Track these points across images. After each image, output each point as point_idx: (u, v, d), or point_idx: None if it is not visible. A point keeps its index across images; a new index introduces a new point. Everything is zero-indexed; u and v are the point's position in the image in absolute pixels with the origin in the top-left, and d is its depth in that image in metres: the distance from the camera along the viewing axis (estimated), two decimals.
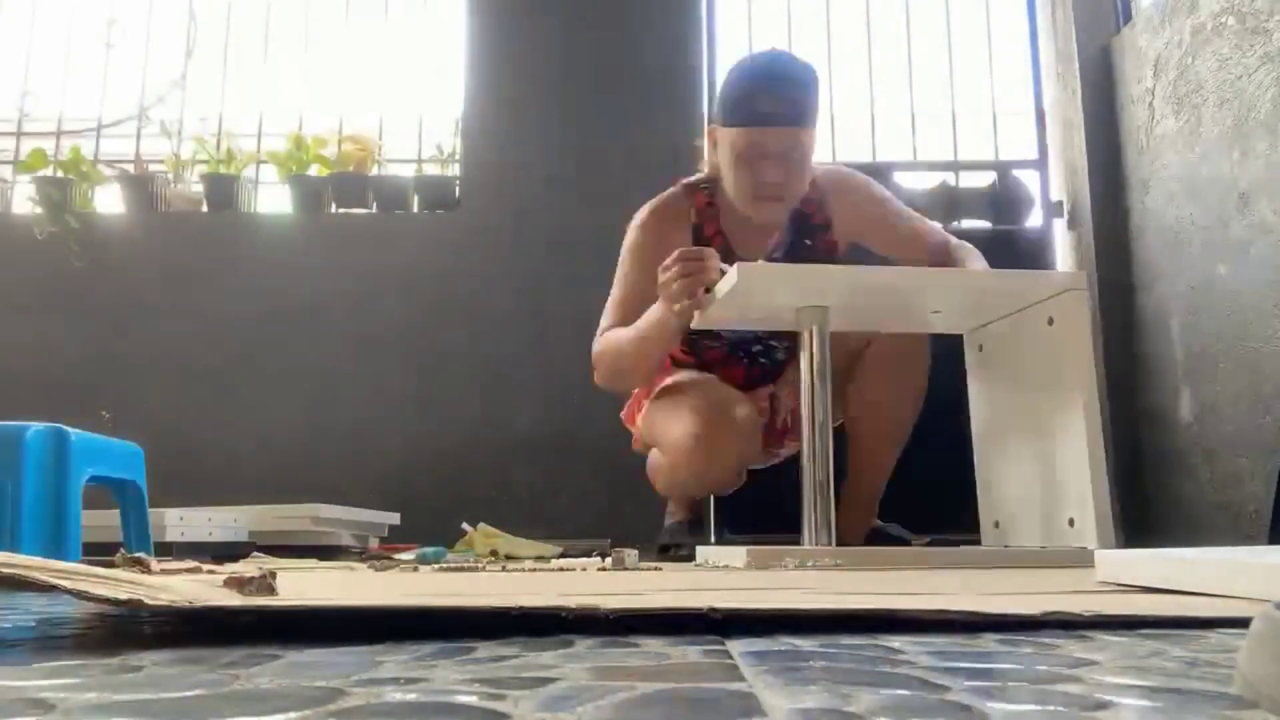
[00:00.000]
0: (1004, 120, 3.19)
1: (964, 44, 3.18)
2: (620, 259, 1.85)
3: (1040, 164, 3.14)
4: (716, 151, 1.75)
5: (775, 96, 1.65)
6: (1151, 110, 2.70)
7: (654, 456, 1.90)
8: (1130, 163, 2.81)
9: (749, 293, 1.51)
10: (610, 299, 1.84)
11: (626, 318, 1.74)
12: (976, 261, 1.81)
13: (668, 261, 1.53)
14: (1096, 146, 2.89)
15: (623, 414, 2.05)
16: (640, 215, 1.85)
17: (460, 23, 3.10)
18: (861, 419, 1.84)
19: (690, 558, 1.73)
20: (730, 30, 3.21)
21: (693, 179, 1.89)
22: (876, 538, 1.93)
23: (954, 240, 1.89)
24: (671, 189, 1.87)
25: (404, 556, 1.88)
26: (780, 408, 1.97)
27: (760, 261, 1.71)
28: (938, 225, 2.00)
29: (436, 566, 1.53)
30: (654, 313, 1.62)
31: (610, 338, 1.76)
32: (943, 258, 1.85)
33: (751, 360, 1.95)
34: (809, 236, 1.85)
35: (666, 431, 1.77)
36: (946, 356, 1.96)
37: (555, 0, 3.05)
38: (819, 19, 3.22)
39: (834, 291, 1.56)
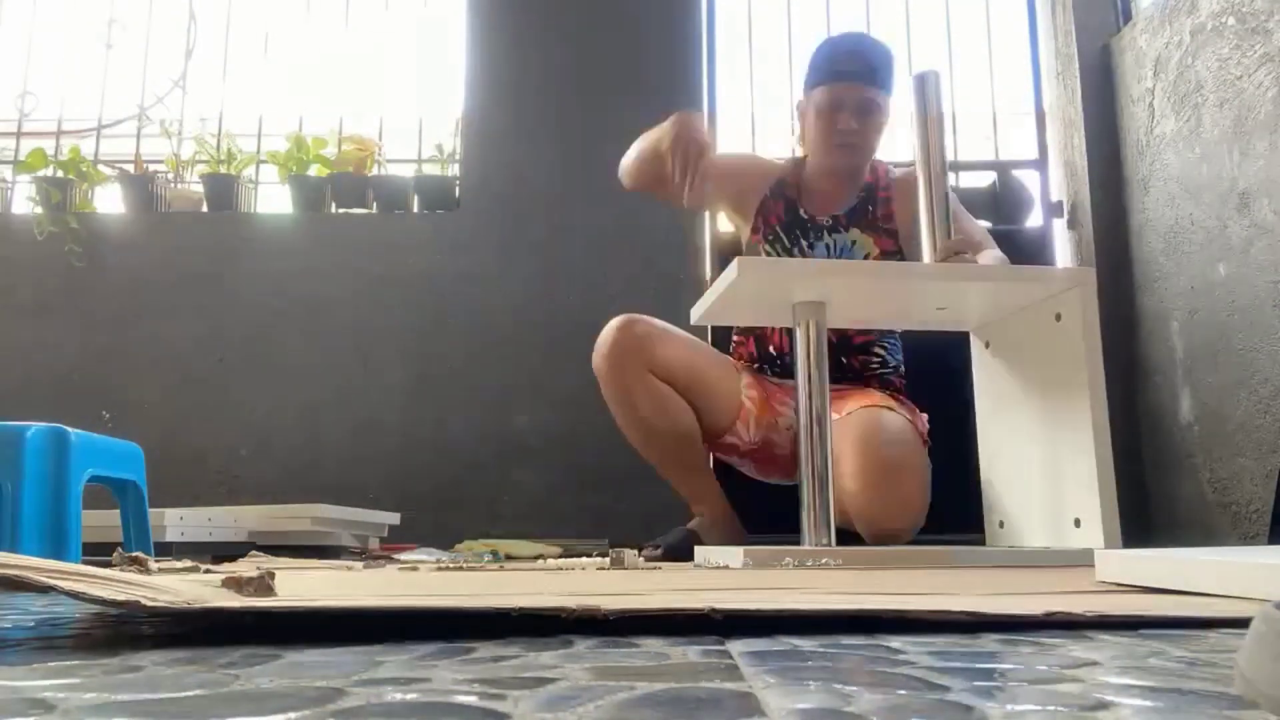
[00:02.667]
0: (1004, 120, 3.19)
1: (964, 44, 3.19)
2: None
3: (1040, 164, 3.14)
4: (803, 122, 2.00)
5: (853, 58, 1.89)
6: (1151, 110, 2.70)
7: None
8: (1130, 163, 2.81)
9: (747, 287, 1.51)
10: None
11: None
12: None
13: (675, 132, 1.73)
14: (1096, 146, 2.89)
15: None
16: (752, 154, 2.17)
17: (460, 23, 3.10)
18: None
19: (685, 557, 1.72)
20: (730, 31, 3.21)
21: (796, 156, 2.14)
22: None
23: (990, 246, 1.97)
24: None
25: (404, 556, 1.88)
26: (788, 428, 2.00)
27: (759, 256, 1.74)
28: (984, 226, 2.16)
29: (436, 566, 1.53)
30: (654, 143, 1.86)
31: (626, 157, 2.06)
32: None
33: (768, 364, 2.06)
34: (872, 204, 2.04)
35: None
36: (951, 353, 1.96)
37: (555, 0, 3.05)
38: (819, 20, 3.22)
39: (832, 287, 1.55)
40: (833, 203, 2.05)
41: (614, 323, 1.91)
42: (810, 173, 2.06)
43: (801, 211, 2.06)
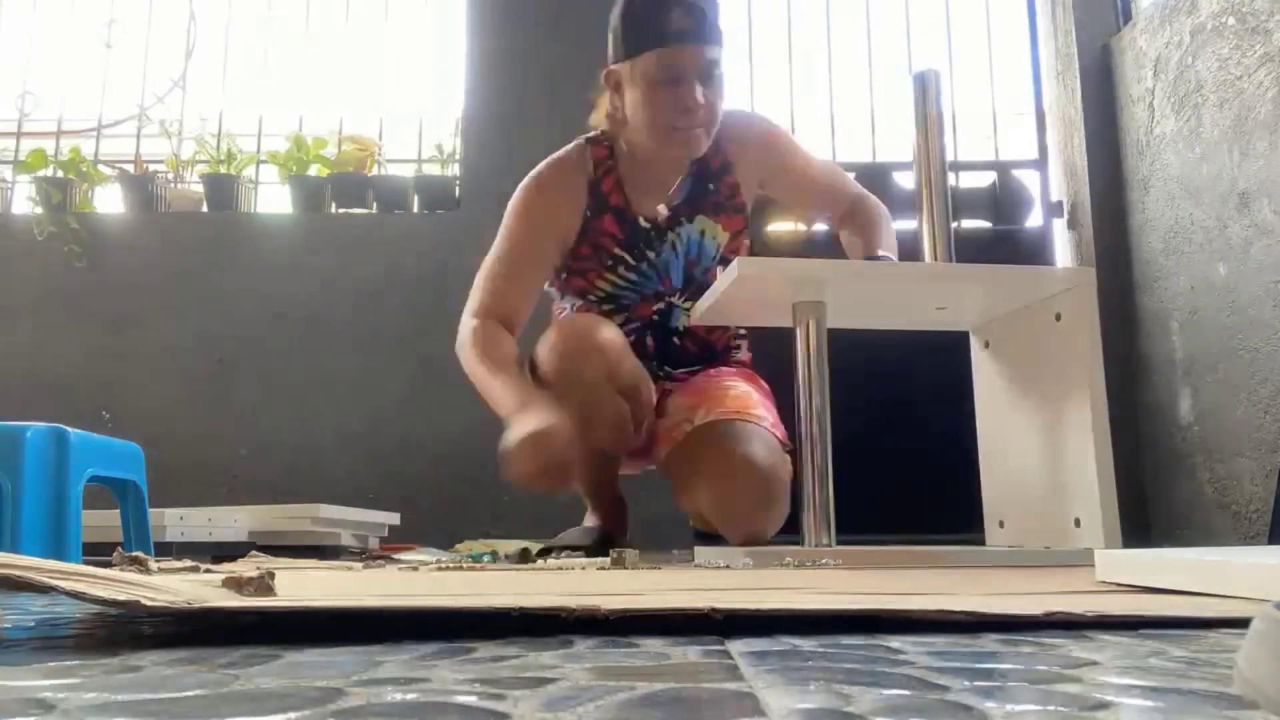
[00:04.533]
0: (1004, 120, 3.19)
1: (964, 44, 3.19)
2: (505, 216, 1.69)
3: (1040, 164, 3.14)
4: (619, 95, 1.62)
5: (684, 11, 1.50)
6: (1151, 110, 2.70)
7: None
8: (1130, 163, 2.82)
9: (746, 287, 1.51)
10: (490, 257, 1.68)
11: (501, 282, 1.64)
12: (884, 224, 1.71)
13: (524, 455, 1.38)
14: (1096, 146, 2.90)
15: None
16: (536, 172, 1.70)
17: (460, 23, 3.10)
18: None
19: (580, 555, 1.60)
20: (730, 31, 3.21)
21: (591, 134, 1.74)
22: None
23: (865, 196, 1.78)
24: (569, 145, 1.73)
25: (404, 557, 1.88)
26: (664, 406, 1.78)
27: (759, 257, 1.68)
28: (850, 176, 1.86)
29: (436, 566, 1.53)
30: (505, 400, 1.50)
31: (472, 347, 1.61)
32: (850, 214, 1.76)
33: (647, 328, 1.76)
34: (710, 181, 1.71)
35: (540, 360, 1.63)
36: (951, 353, 1.95)
37: (555, 0, 3.05)
38: (819, 19, 3.22)
39: (832, 286, 1.55)
40: (663, 189, 1.70)
41: (578, 326, 1.60)
42: (629, 161, 1.68)
43: (640, 219, 1.69)
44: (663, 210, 1.70)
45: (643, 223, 1.71)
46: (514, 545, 1.92)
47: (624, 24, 1.58)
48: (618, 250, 1.70)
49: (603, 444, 1.63)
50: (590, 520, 1.90)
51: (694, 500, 1.66)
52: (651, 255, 1.72)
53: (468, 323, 1.66)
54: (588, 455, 1.66)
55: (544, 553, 1.71)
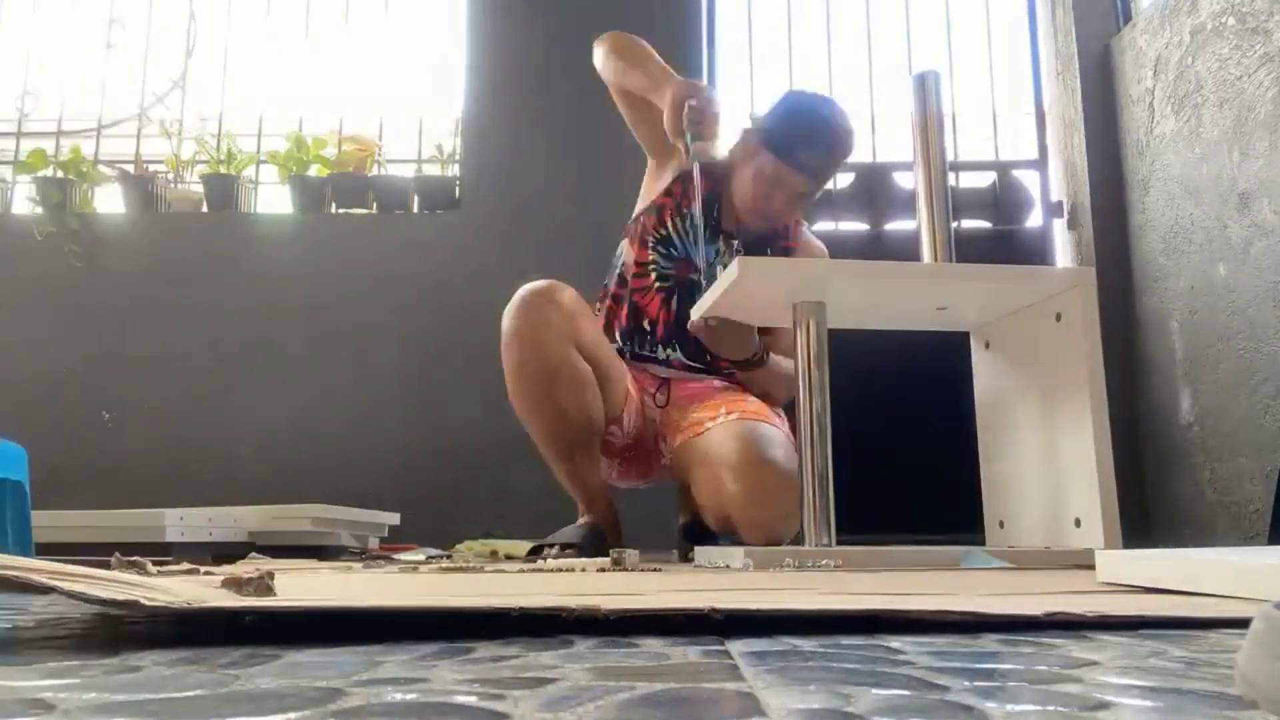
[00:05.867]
0: (1004, 120, 3.19)
1: (964, 44, 3.19)
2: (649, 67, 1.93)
3: (1040, 164, 3.14)
4: (743, 152, 1.89)
5: (821, 154, 1.81)
6: (1151, 110, 2.70)
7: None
8: (1130, 163, 2.82)
9: (746, 286, 1.51)
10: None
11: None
12: (783, 363, 1.86)
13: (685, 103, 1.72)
14: (1096, 146, 2.90)
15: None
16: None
17: (460, 23, 3.10)
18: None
19: (573, 555, 1.64)
20: (730, 30, 3.21)
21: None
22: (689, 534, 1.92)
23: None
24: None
25: (404, 557, 1.88)
26: (667, 400, 1.92)
27: (759, 257, 1.72)
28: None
29: (436, 566, 1.53)
30: (656, 90, 1.81)
31: (627, 48, 1.96)
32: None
33: (673, 296, 1.95)
34: (770, 245, 1.98)
35: (502, 327, 1.74)
36: (951, 353, 1.95)
37: (555, 0, 3.05)
38: (819, 19, 3.22)
39: (832, 287, 1.55)
40: (738, 221, 1.96)
41: (536, 287, 1.71)
42: (730, 194, 1.95)
43: (714, 210, 1.96)
44: (724, 229, 1.97)
45: (715, 214, 1.96)
46: (515, 546, 1.92)
47: (785, 123, 1.84)
48: (688, 209, 1.94)
49: (569, 411, 1.71)
50: (583, 519, 1.91)
51: (717, 495, 1.69)
52: (707, 236, 1.93)
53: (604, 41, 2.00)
54: (565, 450, 1.77)
55: (536, 550, 1.72)
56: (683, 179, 1.94)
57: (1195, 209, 2.50)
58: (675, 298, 1.94)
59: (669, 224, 1.96)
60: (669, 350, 1.95)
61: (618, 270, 2.02)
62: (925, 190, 1.62)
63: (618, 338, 1.96)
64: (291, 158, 3.04)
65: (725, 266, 1.82)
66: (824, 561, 1.30)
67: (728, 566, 1.37)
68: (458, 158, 3.07)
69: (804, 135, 1.81)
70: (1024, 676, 0.42)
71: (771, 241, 1.98)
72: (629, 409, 1.87)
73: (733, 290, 1.52)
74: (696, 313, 1.73)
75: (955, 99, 3.14)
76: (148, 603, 0.55)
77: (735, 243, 1.96)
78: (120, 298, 2.90)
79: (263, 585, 0.67)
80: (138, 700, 0.37)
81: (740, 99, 3.18)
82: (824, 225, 3.12)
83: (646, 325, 1.95)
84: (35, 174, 3.00)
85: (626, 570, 1.30)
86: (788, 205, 1.87)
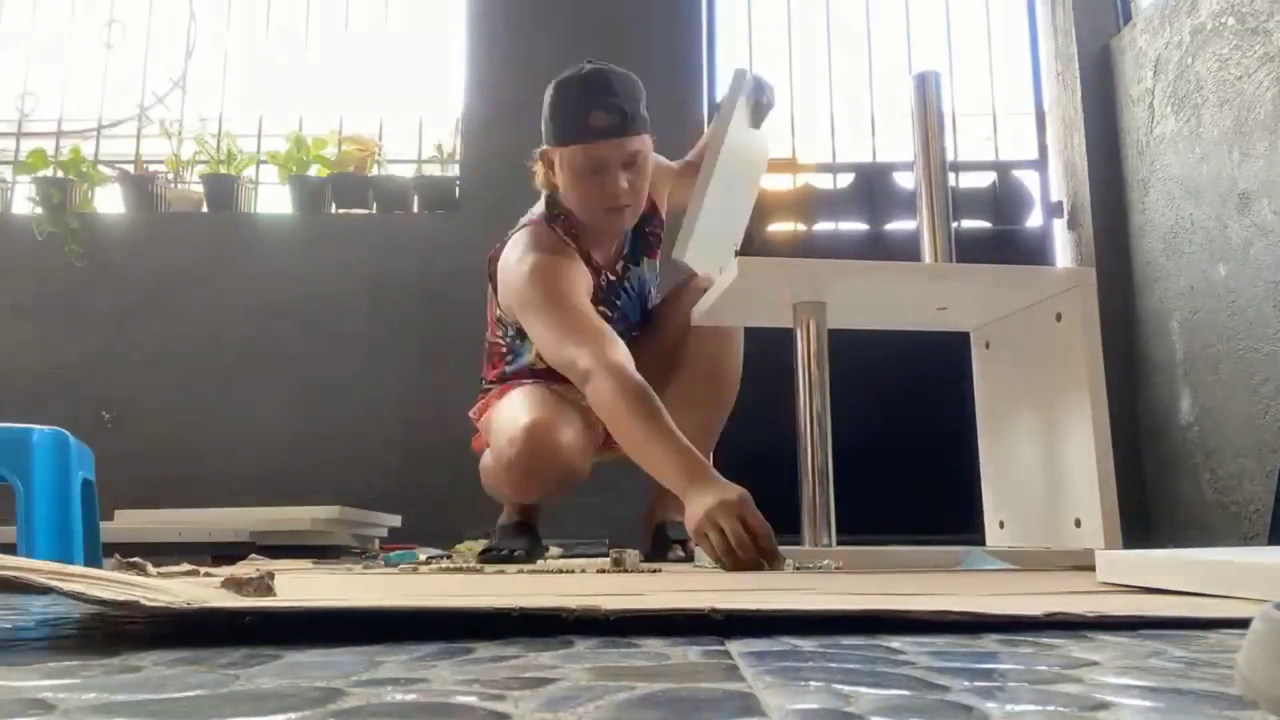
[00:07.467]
0: (1004, 120, 3.19)
1: (964, 44, 3.19)
2: (533, 309, 1.63)
3: (1040, 164, 3.14)
4: (554, 173, 1.72)
5: (606, 108, 1.62)
6: (1151, 110, 2.70)
7: (486, 456, 1.80)
8: (1130, 163, 2.82)
9: (747, 288, 1.51)
10: (550, 328, 1.60)
11: (592, 328, 1.57)
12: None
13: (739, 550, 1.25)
14: (1096, 146, 2.90)
15: (471, 411, 1.96)
16: (530, 263, 1.66)
17: (460, 23, 3.10)
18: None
19: (522, 560, 1.66)
20: (730, 30, 3.21)
21: (539, 213, 1.80)
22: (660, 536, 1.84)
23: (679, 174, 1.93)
24: (532, 228, 1.76)
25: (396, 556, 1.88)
26: None
27: (759, 257, 1.69)
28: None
29: (437, 567, 1.53)
30: (677, 476, 1.37)
31: (625, 404, 1.44)
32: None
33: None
34: (645, 226, 1.85)
35: (500, 425, 1.68)
36: (951, 353, 1.95)
37: (555, 0, 3.05)
38: (819, 19, 3.22)
39: (833, 287, 1.55)
40: (614, 244, 1.83)
41: (528, 447, 1.59)
42: (582, 226, 1.76)
43: (605, 274, 1.80)
44: (619, 267, 1.84)
45: (608, 277, 1.82)
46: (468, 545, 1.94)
47: (552, 115, 1.68)
48: (601, 307, 1.76)
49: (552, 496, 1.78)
50: (507, 517, 1.93)
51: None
52: (618, 303, 1.83)
53: (602, 380, 1.47)
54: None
55: (486, 552, 1.77)
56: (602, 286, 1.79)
57: (1195, 209, 2.50)
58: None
59: (607, 307, 1.81)
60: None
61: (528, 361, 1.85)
62: (925, 190, 1.62)
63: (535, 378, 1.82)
64: (291, 158, 3.03)
65: (630, 288, 1.85)
66: (824, 562, 1.30)
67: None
68: (458, 158, 3.07)
69: (577, 104, 1.63)
70: (1024, 676, 0.42)
71: (643, 223, 1.83)
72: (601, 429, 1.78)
73: (733, 290, 1.52)
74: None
75: (955, 99, 3.14)
76: (148, 603, 0.55)
77: (623, 261, 1.84)
78: (120, 298, 2.90)
79: (263, 585, 0.67)
80: (138, 700, 0.37)
81: None
82: (824, 225, 3.12)
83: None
84: (35, 174, 3.00)
85: (626, 570, 1.30)
86: (626, 178, 1.65)
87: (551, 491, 1.71)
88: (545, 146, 1.73)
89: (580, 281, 1.67)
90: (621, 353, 1.51)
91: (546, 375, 1.75)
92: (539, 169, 1.76)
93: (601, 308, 1.77)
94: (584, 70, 1.67)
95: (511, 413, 1.68)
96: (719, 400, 1.86)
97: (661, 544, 1.82)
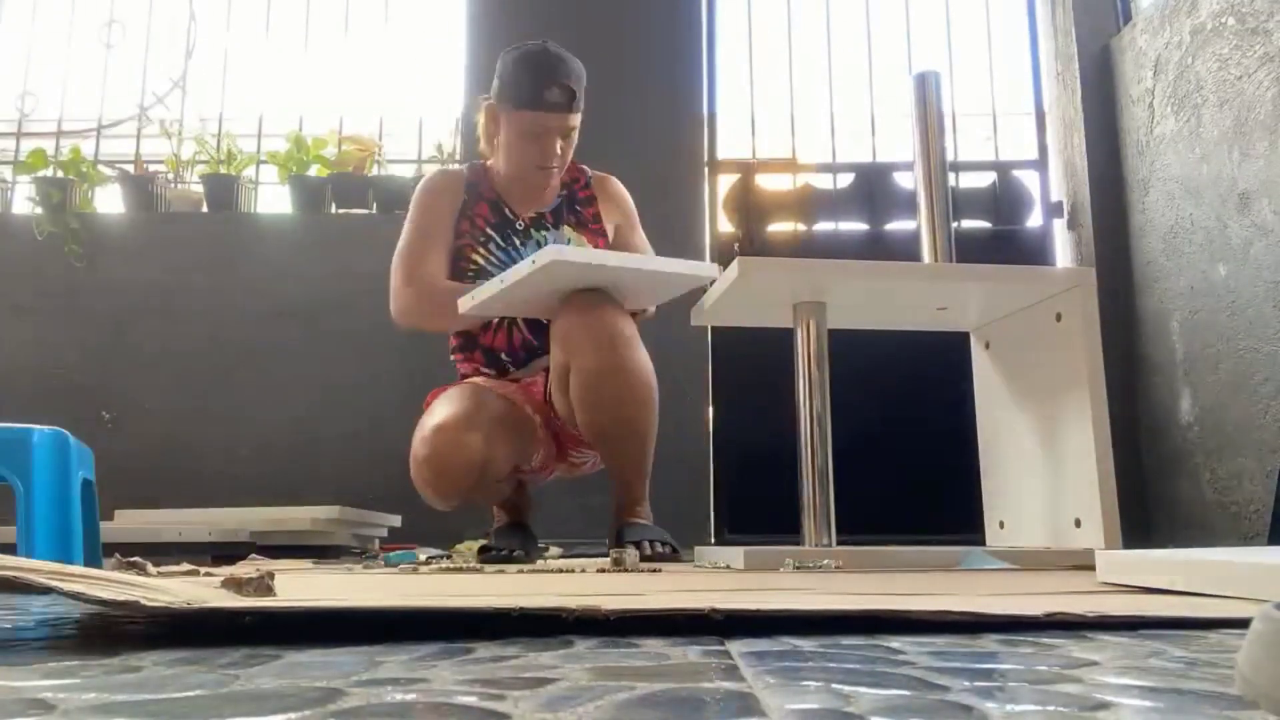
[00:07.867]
0: (1004, 120, 3.19)
1: (964, 44, 3.19)
2: (406, 220, 1.99)
3: (1040, 164, 3.14)
4: (496, 126, 1.94)
5: (559, 87, 1.86)
6: (1151, 110, 2.70)
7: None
8: (1130, 163, 2.82)
9: (748, 288, 1.51)
10: (400, 247, 1.96)
11: (417, 257, 1.91)
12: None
13: None
14: (1096, 146, 2.90)
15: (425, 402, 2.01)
16: (426, 178, 2.05)
17: (460, 23, 3.10)
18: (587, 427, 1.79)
19: (521, 559, 1.68)
20: (730, 30, 3.21)
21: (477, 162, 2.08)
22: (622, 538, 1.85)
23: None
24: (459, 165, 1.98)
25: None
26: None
27: (760, 257, 1.68)
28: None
29: (437, 567, 1.53)
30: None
31: (431, 290, 1.88)
32: None
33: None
34: (577, 205, 2.04)
35: (420, 426, 1.80)
36: (951, 353, 1.95)
37: (555, 0, 3.05)
38: (819, 19, 3.22)
39: (833, 287, 1.55)
40: (535, 201, 2.00)
41: (434, 447, 1.72)
42: (504, 178, 1.99)
43: (507, 211, 1.99)
44: (531, 213, 2.01)
45: (509, 213, 1.99)
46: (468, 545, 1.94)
47: (511, 79, 1.89)
48: (489, 230, 1.97)
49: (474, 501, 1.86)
50: (499, 519, 1.98)
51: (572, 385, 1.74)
52: (516, 243, 1.98)
53: (403, 290, 1.92)
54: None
55: (485, 550, 1.81)
56: (464, 212, 1.97)
57: (1195, 209, 2.50)
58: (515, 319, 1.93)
59: (477, 257, 1.94)
60: (534, 357, 1.93)
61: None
62: (925, 190, 1.62)
63: (496, 367, 1.95)
64: (291, 158, 3.03)
65: (546, 241, 1.94)
66: (824, 561, 1.30)
67: (727, 567, 1.37)
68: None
69: (538, 74, 1.85)
70: (1024, 676, 0.42)
71: (575, 202, 2.03)
72: (538, 440, 1.89)
73: (733, 290, 1.52)
74: (697, 313, 1.73)
75: (955, 99, 3.14)
76: (148, 603, 0.55)
77: (545, 213, 1.99)
78: (120, 298, 2.90)
79: (263, 585, 0.67)
80: (138, 700, 0.37)
81: (740, 99, 3.18)
82: (824, 225, 3.12)
83: (505, 358, 1.94)
84: (35, 174, 3.00)
85: (626, 570, 1.30)
86: (563, 145, 1.90)
87: (468, 491, 1.76)
88: (493, 102, 1.94)
89: (445, 200, 1.97)
90: (427, 271, 1.89)
91: (488, 357, 1.96)
92: (480, 118, 2.00)
93: (493, 234, 1.96)
94: (544, 46, 1.90)
95: (431, 416, 1.79)
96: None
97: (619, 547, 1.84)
